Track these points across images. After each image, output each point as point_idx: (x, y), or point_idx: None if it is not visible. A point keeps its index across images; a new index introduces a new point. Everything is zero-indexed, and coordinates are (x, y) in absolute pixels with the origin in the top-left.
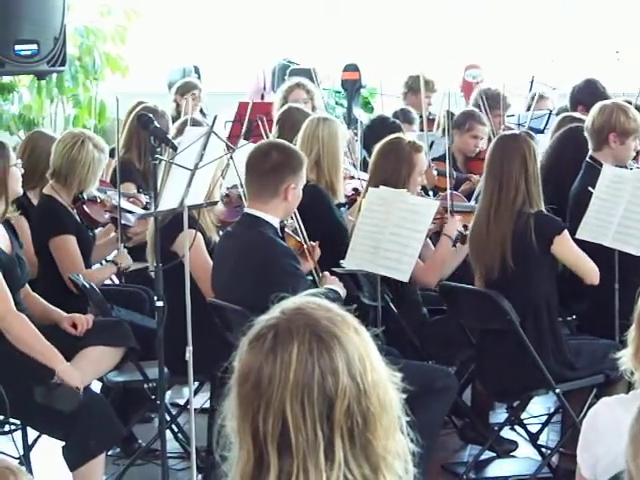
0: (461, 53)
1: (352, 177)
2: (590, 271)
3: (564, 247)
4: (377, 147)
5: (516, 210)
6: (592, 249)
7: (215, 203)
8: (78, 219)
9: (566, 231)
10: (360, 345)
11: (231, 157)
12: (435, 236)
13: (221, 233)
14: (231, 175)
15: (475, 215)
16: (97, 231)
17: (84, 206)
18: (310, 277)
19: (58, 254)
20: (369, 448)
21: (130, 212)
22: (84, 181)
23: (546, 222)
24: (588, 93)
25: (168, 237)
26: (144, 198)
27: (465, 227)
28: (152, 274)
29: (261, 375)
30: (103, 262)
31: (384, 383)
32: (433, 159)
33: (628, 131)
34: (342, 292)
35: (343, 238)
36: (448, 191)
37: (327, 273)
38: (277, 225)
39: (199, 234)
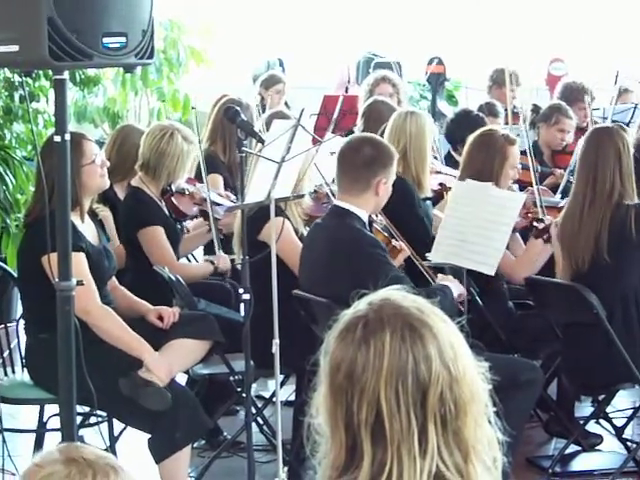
0: (546, 46)
1: (438, 172)
2: None
3: None
4: (470, 139)
5: (613, 202)
6: None
7: (302, 196)
8: (166, 211)
9: None
10: (450, 333)
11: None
12: (526, 231)
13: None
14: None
15: (566, 208)
16: (188, 224)
17: (172, 198)
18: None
19: (147, 246)
20: (460, 436)
21: (219, 204)
22: (173, 173)
23: None
24: None
25: (255, 227)
26: (232, 196)
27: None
28: (239, 266)
29: (354, 364)
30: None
31: (472, 371)
32: None
33: None
34: (456, 290)
35: (427, 232)
36: (535, 186)
37: (441, 275)
38: (365, 219)
39: (287, 222)
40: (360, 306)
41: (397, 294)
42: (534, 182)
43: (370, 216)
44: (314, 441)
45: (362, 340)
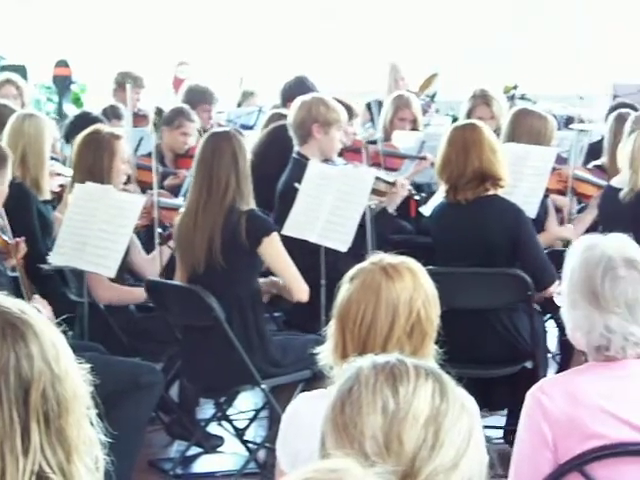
0: (173, 49)
1: (58, 174)
2: (296, 286)
3: (271, 250)
4: (77, 140)
5: (226, 205)
6: (298, 245)
7: None
8: None
9: (275, 234)
10: (52, 332)
11: None
12: (142, 229)
13: None
14: None
15: (184, 209)
16: None
17: None
18: (15, 274)
19: None
20: (63, 435)
21: None
22: None
23: (257, 222)
24: (298, 89)
25: None
26: None
27: (170, 225)
28: None
29: None
30: None
31: (74, 371)
32: (141, 155)
33: (330, 121)
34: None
35: (47, 235)
36: (155, 190)
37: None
38: None
39: None
40: None
41: None
42: (155, 185)
43: None
44: None
45: None
